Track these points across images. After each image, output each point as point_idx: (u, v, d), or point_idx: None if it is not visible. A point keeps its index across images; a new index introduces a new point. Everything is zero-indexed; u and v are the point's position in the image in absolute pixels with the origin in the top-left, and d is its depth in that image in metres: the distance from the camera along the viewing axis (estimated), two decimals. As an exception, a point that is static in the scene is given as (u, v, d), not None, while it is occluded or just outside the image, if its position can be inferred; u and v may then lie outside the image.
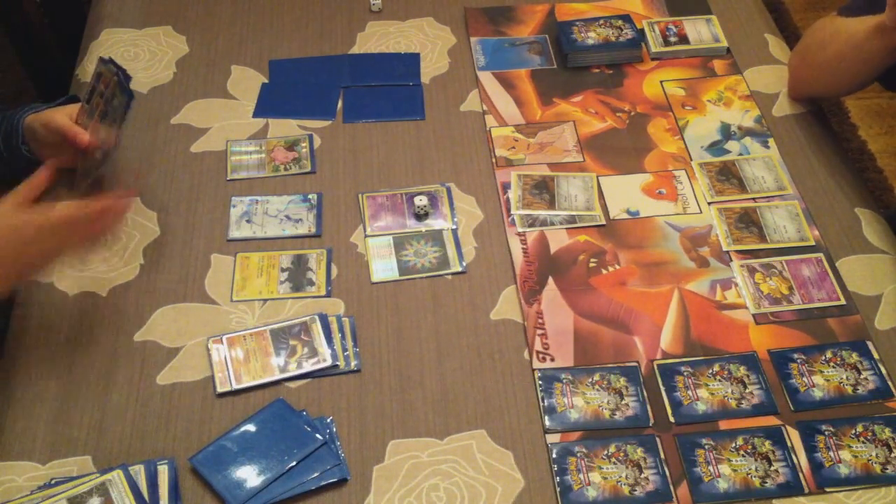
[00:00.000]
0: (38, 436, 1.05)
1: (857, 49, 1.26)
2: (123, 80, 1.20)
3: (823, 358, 1.11)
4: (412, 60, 1.50)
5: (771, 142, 1.37)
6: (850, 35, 1.27)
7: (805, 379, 1.09)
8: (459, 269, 1.21)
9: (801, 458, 1.02)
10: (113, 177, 1.32)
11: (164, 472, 1.00)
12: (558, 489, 1.00)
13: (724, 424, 1.06)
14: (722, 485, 1.00)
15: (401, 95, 1.45)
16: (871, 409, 1.07)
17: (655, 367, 1.11)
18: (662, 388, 1.09)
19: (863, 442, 1.03)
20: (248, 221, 1.27)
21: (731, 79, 1.47)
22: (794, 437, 1.04)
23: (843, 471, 1.01)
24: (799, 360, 1.11)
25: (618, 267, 1.22)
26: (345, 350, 1.12)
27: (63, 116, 1.22)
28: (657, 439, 1.04)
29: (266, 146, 1.37)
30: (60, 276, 1.20)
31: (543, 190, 1.30)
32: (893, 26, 1.16)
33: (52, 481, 1.00)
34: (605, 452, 1.03)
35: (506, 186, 1.31)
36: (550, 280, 1.20)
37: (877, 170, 2.40)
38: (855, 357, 1.11)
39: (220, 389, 1.09)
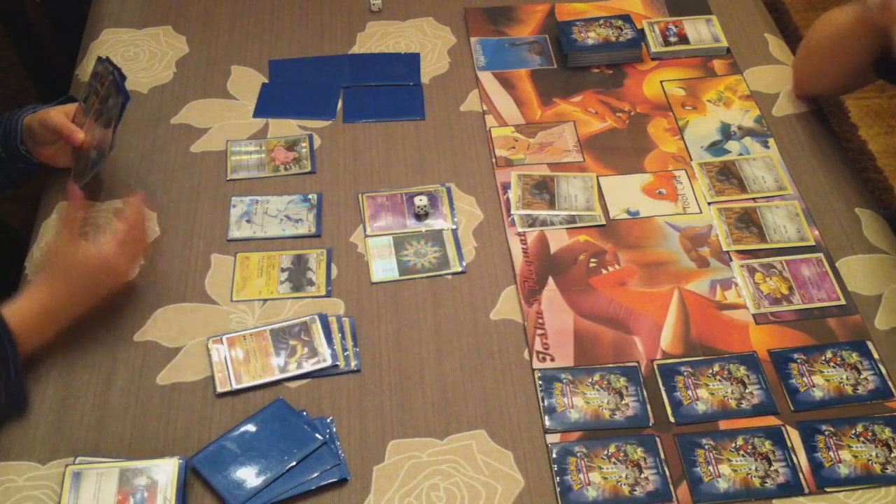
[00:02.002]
0: (38, 436, 1.05)
1: (843, 39, 1.27)
2: (119, 80, 1.20)
3: (823, 358, 1.11)
4: (412, 60, 1.50)
5: (771, 142, 1.37)
6: (836, 25, 1.28)
7: (805, 379, 1.09)
8: (459, 269, 1.21)
9: (801, 458, 1.02)
10: (113, 178, 1.32)
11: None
12: (558, 489, 1.00)
13: (724, 424, 1.06)
14: (722, 485, 1.00)
15: (401, 95, 1.45)
16: (871, 409, 1.07)
17: (655, 367, 1.11)
18: (662, 388, 1.09)
19: (863, 442, 1.03)
20: (248, 221, 1.27)
21: (731, 79, 1.47)
22: (794, 437, 1.04)
23: (843, 471, 1.01)
24: (799, 360, 1.11)
25: (618, 267, 1.22)
26: (345, 350, 1.12)
27: (59, 114, 1.23)
28: (657, 439, 1.04)
29: (266, 146, 1.37)
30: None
31: (543, 190, 1.30)
32: (875, 12, 1.17)
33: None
34: (605, 452, 1.03)
35: (506, 186, 1.31)
36: (550, 280, 1.20)
37: (877, 170, 2.41)
38: (855, 357, 1.11)
39: (220, 389, 1.09)
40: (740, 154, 1.35)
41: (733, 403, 1.07)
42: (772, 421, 1.06)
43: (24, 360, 1.07)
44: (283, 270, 1.21)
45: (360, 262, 1.22)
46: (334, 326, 1.14)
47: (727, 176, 1.32)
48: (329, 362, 1.11)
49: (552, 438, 1.04)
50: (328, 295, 1.18)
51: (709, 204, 1.29)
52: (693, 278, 1.20)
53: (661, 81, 1.46)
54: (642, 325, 1.15)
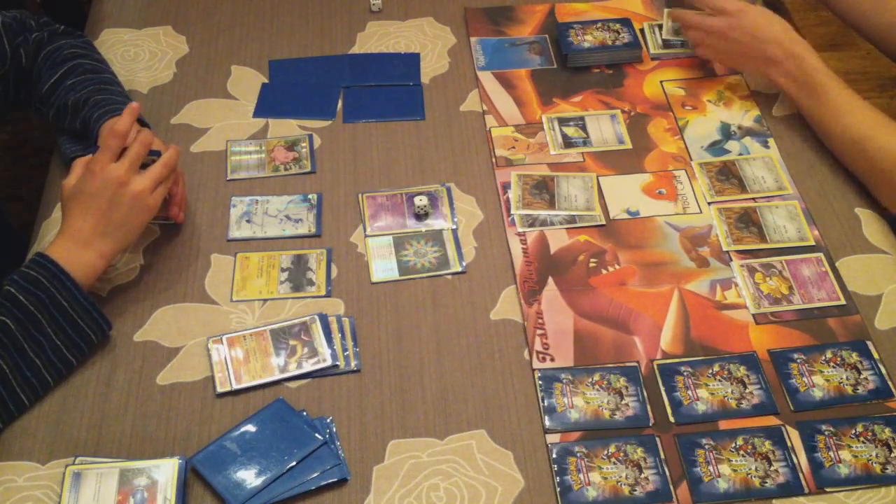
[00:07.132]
0: (38, 436, 1.05)
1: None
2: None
3: (823, 358, 1.11)
4: (412, 60, 1.50)
5: (771, 142, 1.37)
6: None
7: (805, 379, 1.09)
8: (459, 269, 1.21)
9: (801, 458, 1.02)
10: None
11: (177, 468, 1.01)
12: (558, 489, 1.00)
13: (724, 424, 1.06)
14: (722, 485, 1.00)
15: (401, 95, 1.45)
16: (871, 409, 1.07)
17: (655, 367, 1.11)
18: (662, 388, 1.09)
19: (863, 442, 1.03)
20: (248, 221, 1.27)
21: (731, 78, 1.47)
22: (794, 437, 1.04)
23: (843, 471, 1.01)
24: (799, 360, 1.11)
25: (618, 267, 1.22)
26: (345, 350, 1.12)
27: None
28: (657, 439, 1.04)
29: (266, 146, 1.37)
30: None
31: (543, 190, 1.30)
32: None
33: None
34: (605, 452, 1.03)
35: (506, 186, 1.31)
36: (550, 280, 1.20)
37: (877, 170, 2.40)
38: (855, 357, 1.11)
39: (220, 389, 1.09)
40: (740, 154, 1.35)
41: (733, 403, 1.07)
42: (772, 421, 1.06)
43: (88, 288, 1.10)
44: (283, 270, 1.21)
45: (360, 262, 1.22)
46: (334, 326, 1.14)
47: (727, 176, 1.32)
48: (329, 362, 1.11)
49: (552, 438, 1.05)
50: (328, 295, 1.18)
51: (709, 204, 1.29)
52: (693, 278, 1.20)
53: (661, 81, 1.46)
54: (642, 325, 1.15)
